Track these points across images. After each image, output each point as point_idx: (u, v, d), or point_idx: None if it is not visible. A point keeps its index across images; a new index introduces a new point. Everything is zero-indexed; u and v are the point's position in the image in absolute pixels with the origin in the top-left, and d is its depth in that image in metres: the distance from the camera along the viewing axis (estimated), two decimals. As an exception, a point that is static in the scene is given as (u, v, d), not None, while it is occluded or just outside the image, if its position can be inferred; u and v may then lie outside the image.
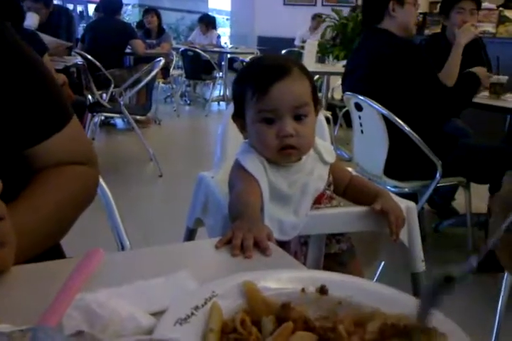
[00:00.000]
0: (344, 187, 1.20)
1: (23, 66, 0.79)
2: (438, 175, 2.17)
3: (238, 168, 1.07)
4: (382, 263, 2.00)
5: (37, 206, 0.72)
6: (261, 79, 1.04)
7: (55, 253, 0.90)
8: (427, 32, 5.55)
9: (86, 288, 0.53)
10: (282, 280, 0.56)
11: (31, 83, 0.79)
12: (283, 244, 1.07)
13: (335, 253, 1.23)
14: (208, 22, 7.68)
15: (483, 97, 2.66)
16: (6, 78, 0.76)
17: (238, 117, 1.12)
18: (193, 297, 0.51)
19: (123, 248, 1.03)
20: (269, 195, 1.07)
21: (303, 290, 0.56)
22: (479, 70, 2.40)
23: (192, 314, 0.47)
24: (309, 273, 0.60)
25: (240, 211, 0.94)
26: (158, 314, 0.51)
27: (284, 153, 1.05)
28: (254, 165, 1.06)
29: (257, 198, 1.01)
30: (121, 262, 0.69)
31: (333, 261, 1.23)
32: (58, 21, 4.46)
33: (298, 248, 1.19)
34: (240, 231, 0.75)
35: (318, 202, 1.13)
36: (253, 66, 1.14)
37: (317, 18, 7.83)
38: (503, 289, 1.81)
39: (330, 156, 1.14)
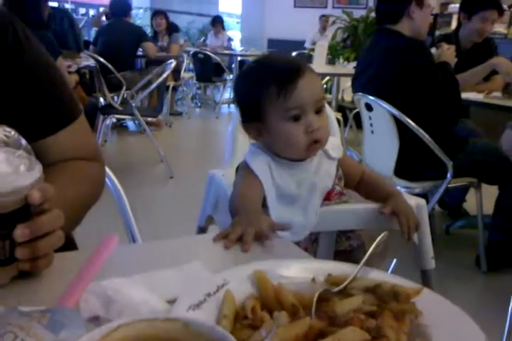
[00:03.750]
0: (356, 182, 1.20)
1: (31, 65, 0.82)
2: (449, 175, 2.17)
3: (244, 168, 1.08)
4: (394, 261, 2.00)
5: None
6: (285, 77, 1.03)
7: (69, 247, 0.91)
8: (437, 33, 5.54)
9: (100, 279, 0.55)
10: (292, 270, 0.57)
11: (39, 81, 0.82)
12: (294, 242, 1.08)
13: (345, 251, 1.24)
14: (219, 22, 7.75)
15: (495, 98, 2.65)
16: (15, 74, 0.79)
17: (252, 122, 1.10)
18: (205, 284, 0.52)
19: (134, 242, 1.05)
20: (276, 197, 1.07)
21: (313, 280, 0.57)
22: (443, 55, 2.36)
23: (204, 300, 0.49)
24: (319, 264, 0.61)
25: (239, 206, 0.95)
26: (171, 302, 0.52)
27: (312, 149, 1.05)
28: (261, 167, 1.06)
29: (257, 194, 1.02)
30: (134, 254, 0.71)
31: (344, 259, 1.23)
32: (60, 24, 4.44)
33: (308, 245, 1.20)
34: (240, 225, 0.76)
35: (327, 198, 1.14)
36: (266, 68, 1.10)
37: (323, 18, 7.91)
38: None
39: (336, 151, 1.14)
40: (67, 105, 0.86)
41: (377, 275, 0.56)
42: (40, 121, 0.82)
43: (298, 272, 0.57)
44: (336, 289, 0.51)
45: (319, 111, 1.05)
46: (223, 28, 7.86)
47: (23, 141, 0.59)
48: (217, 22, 7.78)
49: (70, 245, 0.91)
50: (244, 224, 0.76)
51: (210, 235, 0.76)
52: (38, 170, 0.58)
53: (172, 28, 6.41)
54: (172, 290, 0.53)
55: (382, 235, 0.60)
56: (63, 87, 0.87)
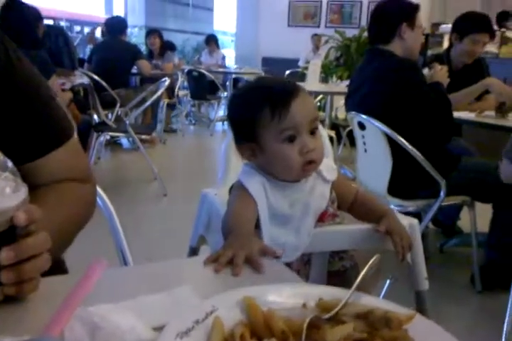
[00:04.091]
0: (349, 204, 1.20)
1: (22, 86, 0.81)
2: (442, 193, 2.17)
3: (239, 188, 1.07)
4: (388, 282, 1.99)
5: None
6: (278, 99, 1.04)
7: (59, 269, 0.90)
8: (429, 52, 5.61)
9: (88, 304, 0.54)
10: (283, 295, 0.56)
11: (30, 102, 0.82)
12: (285, 263, 1.07)
13: (338, 271, 1.23)
14: (212, 40, 7.82)
15: (487, 117, 2.67)
16: (5, 95, 0.78)
17: (246, 142, 1.09)
18: (194, 311, 0.51)
19: (126, 264, 1.04)
20: (269, 217, 1.06)
21: (304, 305, 0.56)
22: (436, 75, 2.39)
23: (192, 327, 0.48)
24: (310, 288, 0.60)
25: (232, 227, 0.94)
26: (159, 329, 0.51)
27: (307, 169, 1.05)
28: (256, 187, 1.05)
29: (251, 214, 1.01)
30: (123, 277, 0.70)
31: (338, 280, 1.22)
32: (55, 42, 4.45)
33: (301, 266, 1.19)
34: (231, 248, 0.75)
35: (321, 220, 1.13)
36: (260, 89, 1.11)
37: (315, 37, 8.03)
38: (508, 312, 1.79)
39: (330, 174, 1.14)
40: (59, 127, 0.86)
41: (369, 301, 0.55)
42: (31, 143, 0.81)
43: (288, 297, 0.56)
44: (327, 316, 0.50)
45: (313, 132, 1.06)
46: (217, 46, 7.93)
47: (9, 163, 0.59)
48: (211, 40, 7.85)
49: (59, 268, 0.90)
50: (235, 247, 0.76)
51: (200, 258, 0.75)
52: (23, 192, 0.57)
53: (168, 47, 6.46)
54: (160, 317, 0.52)
55: (374, 258, 0.59)
56: (55, 109, 0.86)
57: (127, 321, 0.48)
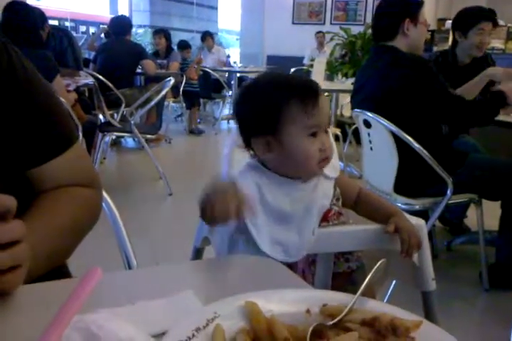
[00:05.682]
0: (354, 201, 1.19)
1: (24, 91, 0.80)
2: (449, 192, 2.15)
3: None
4: (394, 282, 1.98)
5: (40, 231, 0.72)
6: (309, 95, 1.04)
7: (62, 273, 0.90)
8: (435, 49, 5.57)
9: (88, 309, 0.53)
10: (286, 300, 0.55)
11: (33, 109, 0.80)
12: (290, 264, 1.06)
13: (344, 273, 1.21)
14: (208, 36, 7.75)
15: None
16: (7, 102, 0.77)
17: (264, 135, 1.06)
18: (195, 318, 0.50)
19: (130, 267, 1.03)
20: (266, 215, 1.05)
21: (308, 311, 0.54)
22: (506, 88, 2.35)
23: (193, 335, 0.47)
24: (314, 293, 0.59)
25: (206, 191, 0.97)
26: (159, 335, 0.50)
27: (322, 165, 1.08)
28: (246, 185, 1.04)
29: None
30: (125, 281, 0.69)
31: (344, 282, 1.21)
32: (60, 43, 4.45)
33: (306, 267, 1.17)
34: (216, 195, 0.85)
35: (325, 219, 1.12)
36: (286, 83, 1.08)
37: (319, 34, 8.01)
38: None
39: (332, 171, 1.13)
40: (62, 132, 0.85)
41: (375, 306, 0.53)
42: (35, 149, 0.81)
43: (291, 302, 0.55)
44: (331, 322, 0.49)
45: (326, 130, 1.08)
46: (214, 41, 7.87)
47: None
48: (207, 36, 7.74)
49: (62, 272, 0.89)
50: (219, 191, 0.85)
51: (203, 261, 0.74)
52: None
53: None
54: (160, 324, 0.51)
55: (379, 263, 0.58)
56: (59, 114, 0.85)
57: (125, 330, 0.46)
